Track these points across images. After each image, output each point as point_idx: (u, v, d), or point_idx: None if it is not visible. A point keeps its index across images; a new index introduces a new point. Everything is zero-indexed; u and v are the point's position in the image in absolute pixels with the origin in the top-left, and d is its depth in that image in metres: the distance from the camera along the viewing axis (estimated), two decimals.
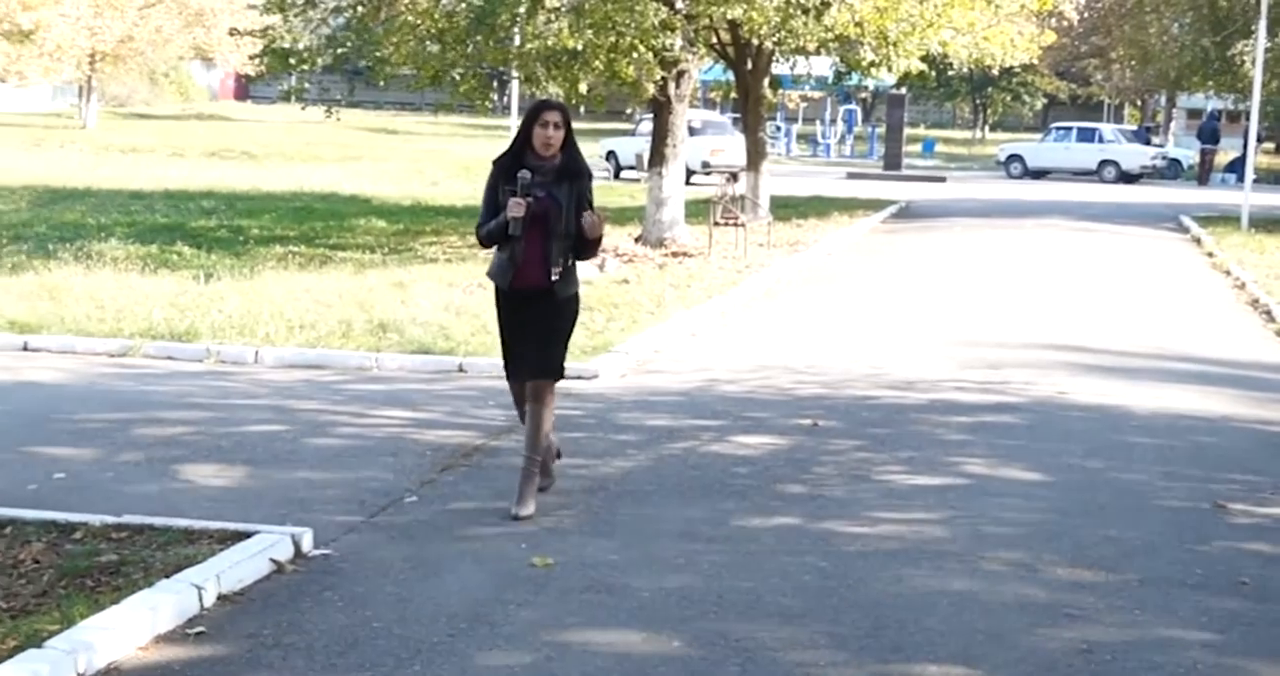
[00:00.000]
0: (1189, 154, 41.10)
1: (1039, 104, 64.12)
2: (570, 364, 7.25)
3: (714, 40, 19.47)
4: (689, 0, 16.65)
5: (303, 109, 21.03)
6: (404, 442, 8.19)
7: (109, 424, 8.49)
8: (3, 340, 11.08)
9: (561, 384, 7.13)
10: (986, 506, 7.16)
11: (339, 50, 18.03)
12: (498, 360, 7.39)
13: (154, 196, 23.32)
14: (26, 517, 6.33)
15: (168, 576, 5.54)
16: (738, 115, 27.26)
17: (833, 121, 48.87)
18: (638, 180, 28.79)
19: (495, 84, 23.95)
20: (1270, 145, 43.39)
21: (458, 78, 17.37)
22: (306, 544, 6.18)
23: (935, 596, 5.81)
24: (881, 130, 43.53)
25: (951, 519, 6.92)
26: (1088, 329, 12.98)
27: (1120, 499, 7.36)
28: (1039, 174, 38.58)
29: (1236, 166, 36.82)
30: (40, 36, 40.10)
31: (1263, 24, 23.12)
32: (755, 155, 20.90)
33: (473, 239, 7.10)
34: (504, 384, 7.31)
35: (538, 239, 6.74)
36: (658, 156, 18.21)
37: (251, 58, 22.51)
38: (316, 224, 20.10)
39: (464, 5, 16.63)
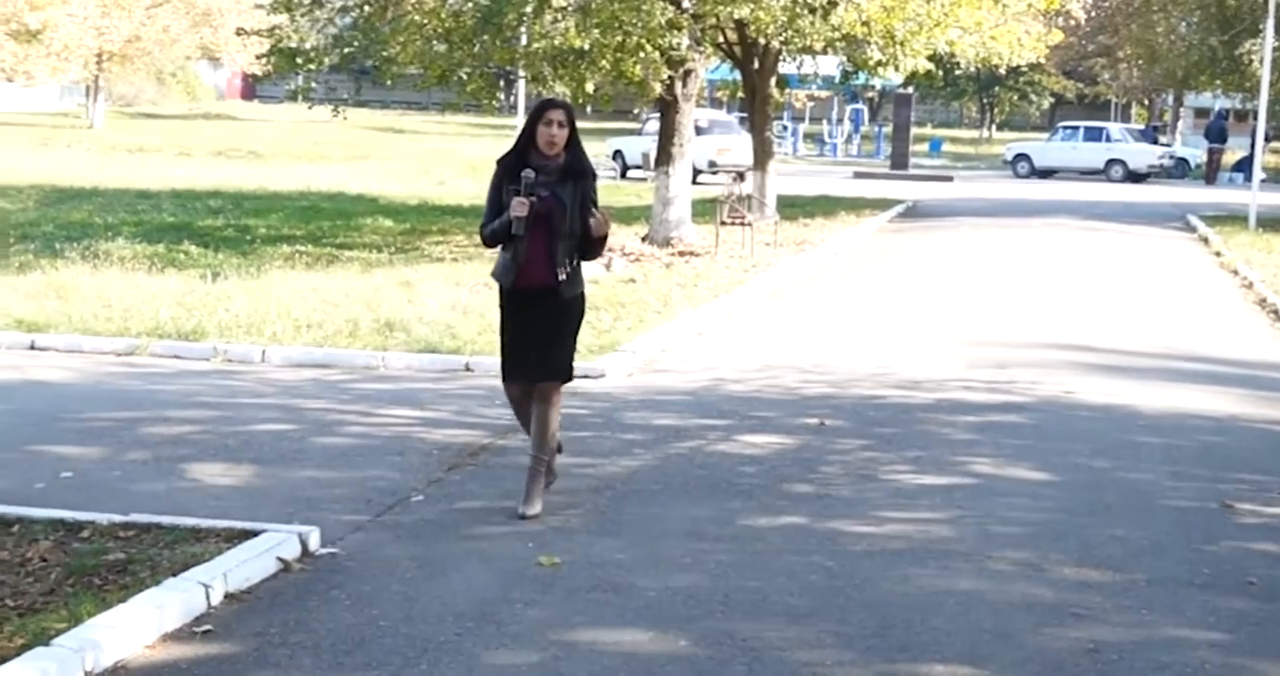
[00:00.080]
0: (1196, 153, 41.04)
1: (1046, 103, 64.10)
2: (577, 363, 7.25)
3: (721, 39, 19.48)
4: (695, 0, 16.66)
5: (309, 108, 21.12)
6: (411, 442, 8.20)
7: (116, 423, 8.50)
8: (10, 339, 11.10)
9: (572, 381, 7.12)
10: (993, 506, 7.15)
11: (346, 50, 18.04)
12: None
13: (161, 196, 23.35)
14: (34, 516, 6.34)
15: (175, 575, 5.54)
16: (744, 114, 27.28)
17: (839, 121, 48.85)
18: (644, 179, 28.79)
19: (502, 83, 23.97)
20: (1278, 144, 43.36)
21: (465, 77, 17.37)
22: (313, 542, 6.18)
23: (942, 596, 5.80)
24: (888, 129, 43.51)
25: (958, 518, 6.91)
26: (1095, 328, 12.97)
27: (1127, 498, 7.36)
28: (1046, 173, 38.54)
29: (1244, 165, 36.79)
30: (47, 36, 40.17)
31: (1270, 23, 23.08)
32: (762, 154, 20.89)
33: (479, 238, 7.09)
34: None
35: (541, 239, 6.71)
36: (664, 156, 18.21)
37: (258, 57, 22.51)
38: (323, 223, 20.12)
39: (471, 5, 16.63)
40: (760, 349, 11.74)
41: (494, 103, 19.16)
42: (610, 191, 25.91)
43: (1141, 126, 47.56)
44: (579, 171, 6.79)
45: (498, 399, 9.14)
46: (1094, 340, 12.32)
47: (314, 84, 20.11)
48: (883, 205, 26.02)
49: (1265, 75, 24.08)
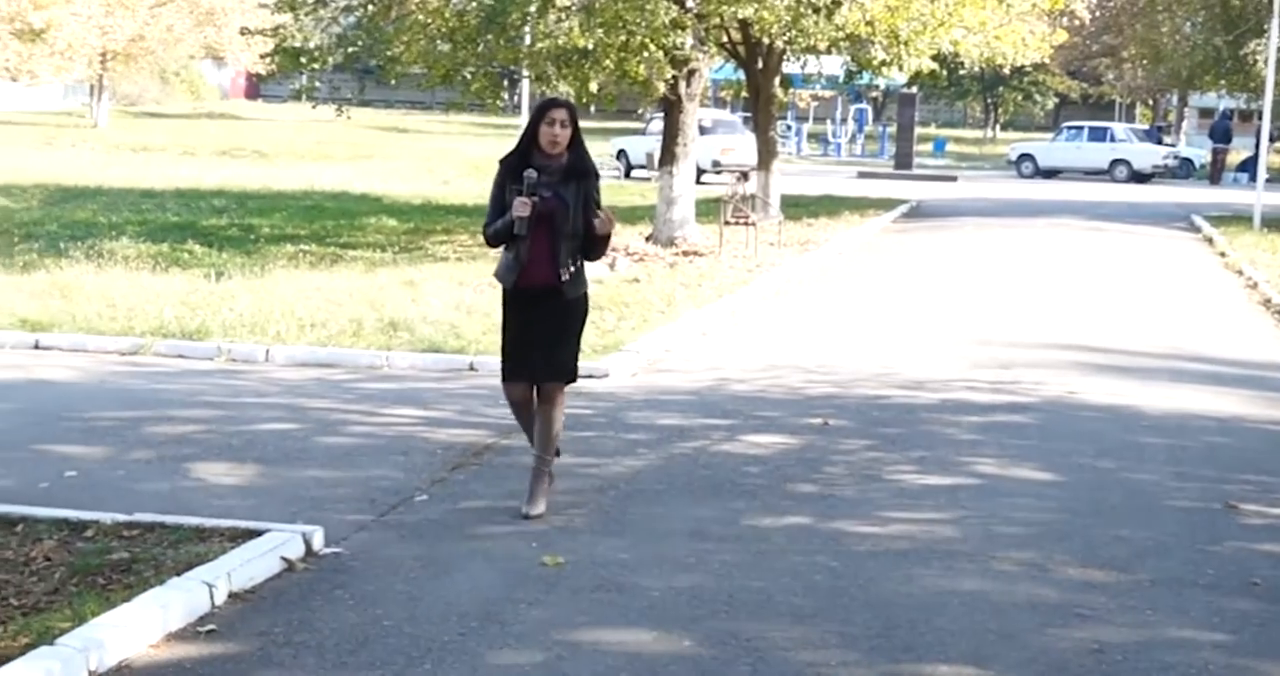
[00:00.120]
0: (1201, 153, 41.02)
1: (1050, 103, 64.01)
2: (581, 363, 7.24)
3: (725, 39, 19.47)
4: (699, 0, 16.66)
5: (313, 108, 21.07)
6: (415, 441, 8.20)
7: (120, 422, 8.50)
8: (14, 338, 11.11)
9: (576, 382, 7.12)
10: (997, 506, 7.14)
11: (350, 49, 18.05)
12: None
13: (165, 195, 23.36)
14: (38, 515, 6.34)
15: (179, 574, 5.54)
16: (748, 114, 27.24)
17: (843, 120, 48.84)
18: (648, 179, 28.79)
19: (506, 83, 23.98)
20: None
21: (468, 76, 17.38)
22: (317, 542, 6.18)
23: (946, 596, 5.80)
24: (892, 129, 43.52)
25: (962, 519, 6.91)
26: (1099, 328, 12.96)
27: (1132, 499, 7.35)
28: (1050, 173, 38.53)
29: (1249, 166, 36.74)
30: (51, 35, 40.17)
31: (1275, 23, 23.06)
32: (766, 154, 20.88)
33: (482, 238, 7.08)
34: None
35: (544, 239, 6.69)
36: (668, 155, 18.21)
37: (262, 57, 22.51)
38: (327, 222, 20.13)
39: (475, 4, 16.63)
40: (764, 349, 11.74)
41: (498, 102, 19.18)
42: (614, 191, 25.91)
43: (1146, 127, 47.55)
44: (582, 171, 6.77)
45: (501, 399, 9.09)
46: (1098, 340, 12.31)
47: (318, 83, 20.10)
48: (887, 205, 26.02)
49: (1270, 75, 24.05)
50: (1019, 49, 19.98)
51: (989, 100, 63.56)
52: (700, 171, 24.53)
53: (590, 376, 9.85)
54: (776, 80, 20.92)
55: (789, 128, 45.25)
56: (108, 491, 7.02)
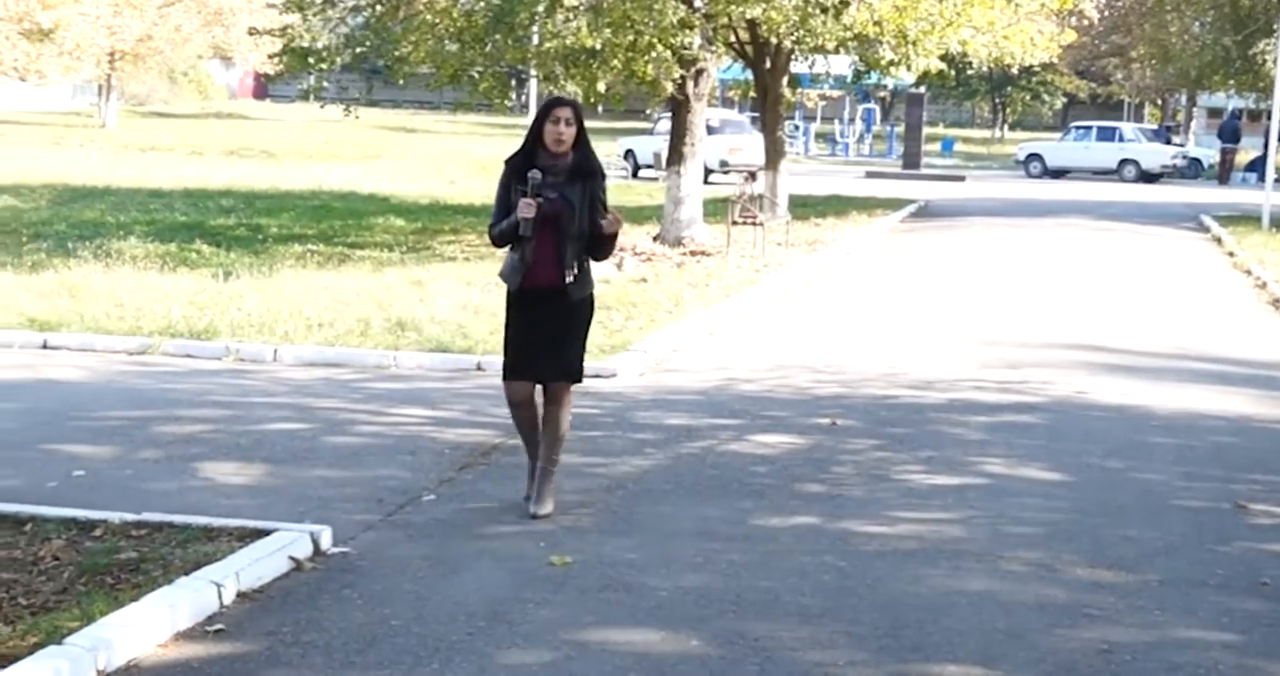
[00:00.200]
0: (1209, 153, 40.95)
1: (1058, 103, 64.00)
2: (589, 362, 7.24)
3: (732, 39, 19.47)
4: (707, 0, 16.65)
5: (321, 108, 21.06)
6: (422, 441, 8.20)
7: (128, 422, 8.51)
8: (22, 338, 11.12)
9: (582, 382, 7.11)
10: (1006, 506, 7.14)
11: (358, 49, 18.04)
12: None
13: (173, 195, 23.39)
14: (46, 515, 6.35)
15: (187, 574, 5.55)
16: (756, 114, 27.24)
17: (851, 120, 48.82)
18: (656, 179, 28.78)
19: (514, 83, 23.97)
20: None
21: (476, 76, 17.38)
22: (325, 542, 6.18)
23: (954, 596, 5.79)
24: (900, 129, 43.45)
25: (970, 518, 6.90)
26: (1107, 328, 12.94)
27: (1140, 499, 7.34)
28: (1058, 173, 38.48)
29: (1257, 165, 36.68)
30: (60, 35, 40.23)
31: None
32: (773, 154, 20.87)
33: (489, 238, 7.06)
34: None
35: (550, 240, 6.66)
36: (676, 155, 18.20)
37: (270, 57, 22.56)
38: (335, 222, 20.14)
39: (483, 4, 16.63)
40: (772, 348, 11.73)
41: (506, 102, 19.16)
42: (622, 191, 25.91)
43: (1155, 126, 47.48)
44: (588, 171, 6.74)
45: None
46: (1107, 340, 12.30)
47: (326, 83, 20.06)
48: (895, 205, 25.99)
49: (1279, 75, 24.00)
50: (1027, 49, 19.97)
51: (997, 100, 63.54)
52: (708, 171, 24.48)
53: (598, 376, 9.85)
54: (784, 80, 20.90)
55: (797, 127, 45.25)
56: (116, 491, 7.02)
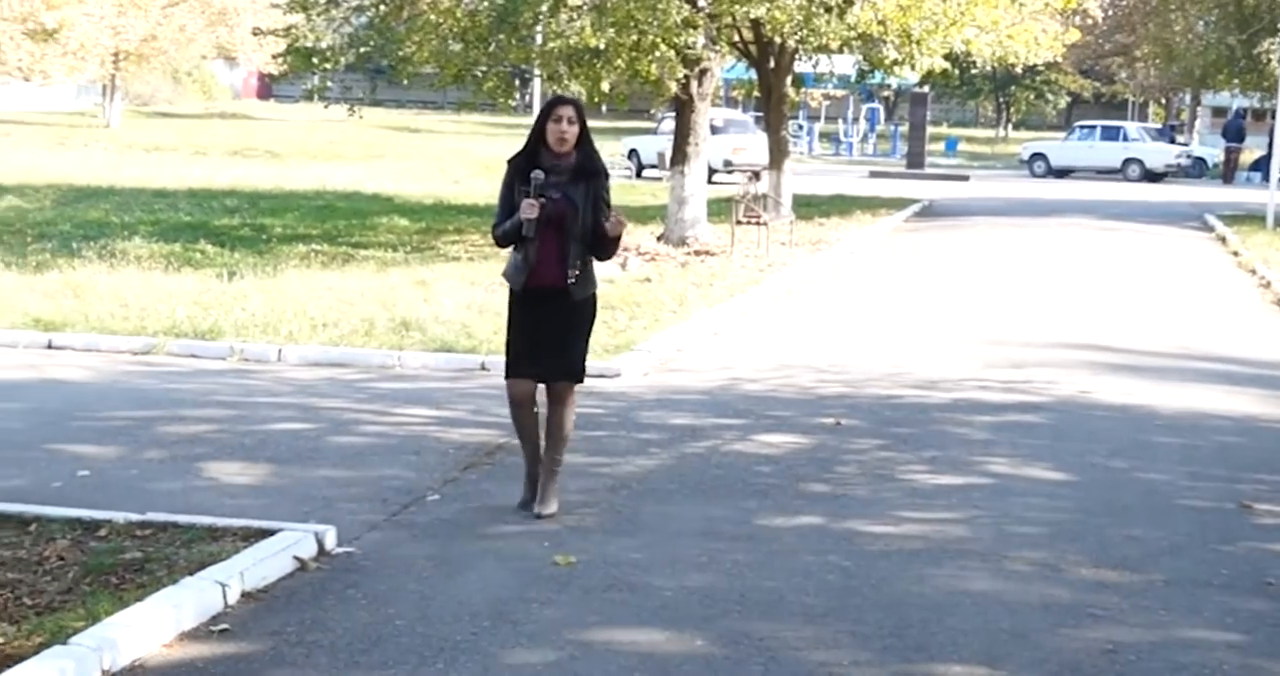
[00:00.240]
0: (1214, 152, 40.93)
1: (1063, 102, 63.99)
2: (593, 362, 7.25)
3: (736, 38, 19.46)
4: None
5: (325, 108, 21.17)
6: (426, 441, 8.20)
7: (133, 422, 8.51)
8: (27, 338, 11.13)
9: (584, 382, 7.11)
10: (1010, 506, 7.13)
11: (361, 49, 18.05)
12: None
13: (177, 195, 23.40)
14: (51, 515, 6.35)
15: (192, 573, 5.55)
16: (760, 114, 27.25)
17: (855, 120, 48.78)
18: (659, 179, 28.78)
19: (518, 82, 23.96)
20: None
21: (480, 76, 17.38)
22: (330, 541, 6.19)
23: (959, 596, 5.79)
24: (904, 129, 43.44)
25: (975, 518, 6.90)
26: (1112, 328, 12.94)
27: (1145, 499, 7.34)
28: (1063, 173, 38.45)
29: (1262, 165, 36.65)
30: (64, 35, 40.25)
31: None
32: (777, 154, 20.86)
33: (492, 238, 7.06)
34: None
35: (553, 240, 6.66)
36: (680, 155, 18.20)
37: (274, 57, 22.55)
38: (339, 222, 20.15)
39: (486, 4, 16.63)
40: (776, 348, 11.73)
41: (510, 102, 19.17)
42: (625, 191, 25.91)
43: (1159, 125, 47.45)
44: (591, 171, 6.73)
45: None
46: (1111, 340, 12.29)
47: (330, 83, 20.05)
48: (898, 204, 25.98)
49: None
50: (1031, 48, 19.96)
51: (1001, 99, 63.51)
52: (712, 171, 24.50)
53: (602, 376, 9.86)
54: (788, 79, 20.89)
55: (800, 127, 45.21)
56: (121, 491, 7.03)
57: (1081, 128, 40.26)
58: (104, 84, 46.62)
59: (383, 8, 17.68)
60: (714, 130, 25.15)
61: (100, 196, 22.76)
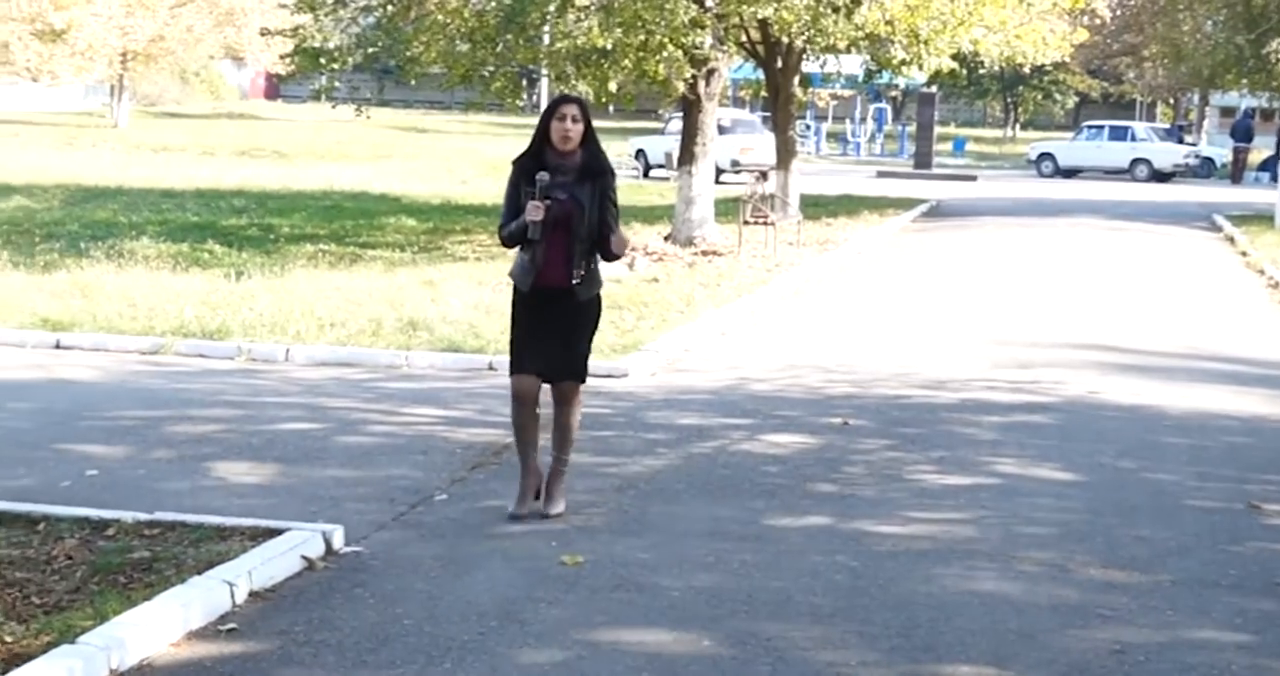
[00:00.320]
0: (1222, 152, 40.86)
1: (1070, 102, 63.85)
2: (600, 362, 7.26)
3: (744, 38, 19.44)
4: None
5: (333, 108, 21.05)
6: (434, 441, 8.21)
7: (141, 421, 8.52)
8: (35, 338, 11.15)
9: (592, 382, 7.11)
10: (1018, 506, 7.13)
11: (369, 49, 18.05)
12: None
13: (185, 195, 23.43)
14: (60, 514, 6.36)
15: (200, 573, 5.56)
16: (767, 113, 27.22)
17: (863, 120, 48.77)
18: (667, 179, 28.78)
19: (525, 82, 23.95)
20: None
21: (488, 76, 17.39)
22: (338, 541, 6.19)
23: (967, 596, 5.79)
24: (912, 129, 43.43)
25: (983, 519, 6.89)
26: (1120, 328, 12.92)
27: (1153, 499, 7.33)
28: (1070, 173, 38.40)
29: (1270, 165, 36.60)
30: (72, 36, 40.33)
31: None
32: (785, 154, 20.85)
33: (498, 238, 7.05)
34: None
35: (560, 241, 6.63)
36: (687, 155, 18.20)
37: (282, 57, 22.54)
38: (346, 222, 20.17)
39: (494, 4, 16.65)
40: (783, 348, 11.73)
41: (517, 102, 19.16)
42: (633, 191, 25.91)
43: (1167, 125, 47.39)
44: (597, 170, 6.70)
45: None
46: (1119, 340, 12.27)
47: (337, 83, 20.04)
48: (906, 204, 25.97)
49: None
50: (1039, 48, 19.92)
51: (1009, 99, 63.42)
52: (719, 171, 24.50)
53: (609, 376, 9.87)
54: (796, 79, 20.89)
55: (808, 127, 45.20)
56: (129, 490, 7.04)
57: (1089, 128, 40.22)
58: (112, 84, 46.68)
59: (390, 8, 17.69)
60: (721, 130, 25.12)
61: (108, 196, 22.80)
